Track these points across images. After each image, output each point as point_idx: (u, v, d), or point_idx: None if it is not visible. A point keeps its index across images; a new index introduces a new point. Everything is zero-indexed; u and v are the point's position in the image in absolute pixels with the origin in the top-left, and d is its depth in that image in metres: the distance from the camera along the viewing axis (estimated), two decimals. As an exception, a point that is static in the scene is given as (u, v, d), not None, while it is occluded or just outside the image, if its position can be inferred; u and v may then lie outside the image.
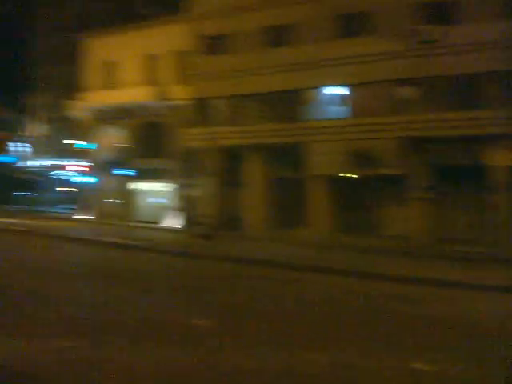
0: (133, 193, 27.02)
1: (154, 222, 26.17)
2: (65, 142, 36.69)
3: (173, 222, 25.63)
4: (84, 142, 29.29)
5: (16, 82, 45.19)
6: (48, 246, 12.13)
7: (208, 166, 23.19)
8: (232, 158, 22.96)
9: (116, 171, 26.20)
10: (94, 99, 28.30)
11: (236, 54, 22.93)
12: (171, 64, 26.37)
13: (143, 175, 26.58)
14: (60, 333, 3.88)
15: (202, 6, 24.01)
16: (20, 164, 43.88)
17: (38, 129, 43.90)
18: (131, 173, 26.15)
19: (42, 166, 42.41)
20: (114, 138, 28.07)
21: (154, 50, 26.74)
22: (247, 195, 22.67)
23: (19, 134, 45.30)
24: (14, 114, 46.40)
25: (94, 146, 29.05)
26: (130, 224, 23.93)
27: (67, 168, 36.90)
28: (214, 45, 23.80)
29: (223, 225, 22.51)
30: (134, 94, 26.58)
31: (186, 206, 25.51)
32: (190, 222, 23.64)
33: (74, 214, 30.11)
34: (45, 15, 44.90)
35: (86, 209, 29.15)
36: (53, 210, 37.14)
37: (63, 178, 42.42)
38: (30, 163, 43.64)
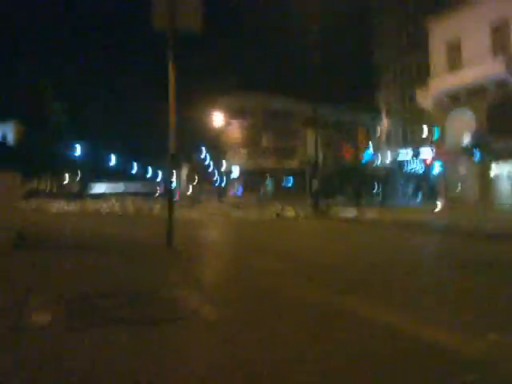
0: (489, 176, 25.77)
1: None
2: (419, 132, 37.78)
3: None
4: (436, 130, 29.86)
5: (368, 81, 49.68)
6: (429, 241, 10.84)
7: None
8: None
9: (470, 155, 25.51)
10: (441, 84, 28.61)
11: None
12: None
13: (500, 156, 25.18)
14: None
15: None
16: (376, 160, 48.42)
17: (389, 123, 47.67)
18: (485, 155, 24.89)
19: (393, 160, 45.93)
20: (466, 121, 27.21)
21: (501, 14, 25.05)
22: None
23: (375, 130, 50.46)
24: (370, 112, 52.20)
25: (440, 133, 29.23)
26: (490, 209, 22.19)
27: (417, 158, 37.88)
28: None
29: None
30: (482, 70, 25.55)
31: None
32: None
33: (426, 205, 29.33)
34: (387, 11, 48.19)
35: (437, 198, 29.12)
36: (403, 203, 37.15)
37: (414, 169, 44.49)
38: (383, 158, 47.87)
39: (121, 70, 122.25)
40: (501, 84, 25.20)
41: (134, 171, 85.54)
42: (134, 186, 72.30)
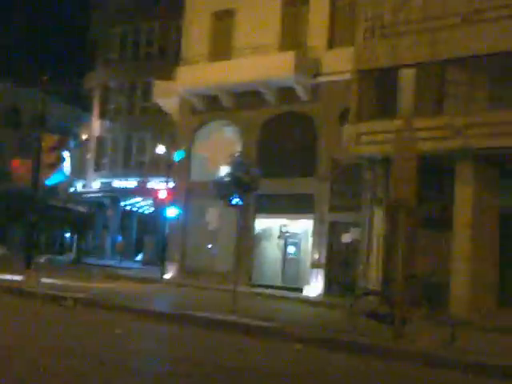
0: (248, 235, 23.04)
1: (282, 287, 23.11)
2: (151, 150, 35.86)
3: (315, 286, 22.43)
4: (179, 152, 26.94)
5: (77, 55, 43.63)
6: (117, 326, 9.86)
7: (383, 189, 19.13)
8: (431, 174, 17.45)
9: (224, 198, 21.68)
10: (196, 77, 25.44)
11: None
12: (324, 13, 23.30)
13: (269, 205, 23.74)
14: None
15: None
16: (71, 185, 43.48)
17: (103, 127, 41.99)
18: (249, 201, 21.26)
19: (103, 190, 41.42)
20: (226, 141, 25.36)
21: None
22: (459, 242, 18.03)
23: (76, 135, 43.72)
24: (69, 103, 45.87)
25: (184, 157, 26.23)
26: (242, 289, 19.50)
27: (143, 193, 36.43)
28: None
29: (413, 295, 17.81)
30: (259, 67, 23.43)
31: (342, 258, 22.38)
32: (347, 288, 20.05)
33: (150, 270, 29.25)
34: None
35: (166, 261, 26.87)
36: (112, 263, 35.07)
37: (133, 209, 42.12)
38: (85, 184, 43.16)
39: None
40: (282, 92, 23.51)
41: None
42: None
